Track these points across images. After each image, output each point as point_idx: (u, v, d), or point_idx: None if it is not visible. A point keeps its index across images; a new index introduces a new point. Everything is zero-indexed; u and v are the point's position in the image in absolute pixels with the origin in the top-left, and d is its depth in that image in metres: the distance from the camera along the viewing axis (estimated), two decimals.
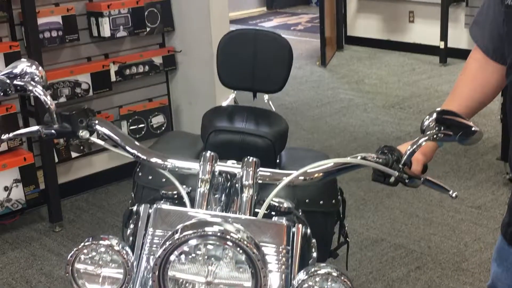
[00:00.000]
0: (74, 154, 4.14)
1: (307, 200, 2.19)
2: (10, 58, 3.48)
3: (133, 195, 2.44)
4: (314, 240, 1.71)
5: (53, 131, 1.66)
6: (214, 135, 2.30)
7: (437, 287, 3.25)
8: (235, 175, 1.64)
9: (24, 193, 3.76)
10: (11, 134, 1.71)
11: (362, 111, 5.88)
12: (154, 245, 1.55)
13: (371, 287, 3.27)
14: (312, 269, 1.47)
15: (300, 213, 1.76)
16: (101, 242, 1.52)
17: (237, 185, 1.64)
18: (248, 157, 1.61)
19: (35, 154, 3.87)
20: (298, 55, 7.68)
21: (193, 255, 1.42)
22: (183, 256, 1.41)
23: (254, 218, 1.57)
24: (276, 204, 1.64)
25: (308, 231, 1.65)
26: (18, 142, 3.79)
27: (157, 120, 4.53)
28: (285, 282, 1.51)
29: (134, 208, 1.70)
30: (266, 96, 2.68)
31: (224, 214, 1.61)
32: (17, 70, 1.68)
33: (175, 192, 1.67)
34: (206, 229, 1.37)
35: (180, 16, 4.46)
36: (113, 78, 4.25)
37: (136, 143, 1.69)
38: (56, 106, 1.67)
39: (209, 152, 1.63)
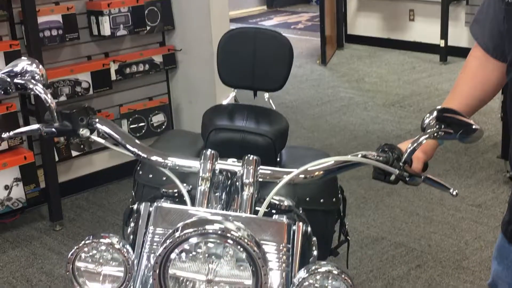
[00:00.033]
0: (74, 153, 4.13)
1: (307, 199, 2.19)
2: (10, 57, 3.48)
3: (133, 194, 2.44)
4: (314, 238, 1.71)
5: (53, 129, 1.66)
6: (214, 133, 2.30)
7: (438, 285, 3.25)
8: (235, 173, 1.64)
9: (24, 192, 3.76)
10: (11, 133, 1.71)
11: (363, 110, 5.88)
12: (155, 243, 1.55)
13: (371, 286, 3.27)
14: (313, 267, 1.47)
15: (301, 211, 1.76)
16: (101, 240, 1.52)
17: (237, 183, 1.63)
18: (249, 155, 1.61)
19: (35, 153, 3.87)
20: (298, 54, 7.68)
21: (194, 253, 1.41)
22: (183, 254, 1.41)
23: (254, 216, 1.57)
24: (277, 202, 1.64)
25: (309, 229, 1.65)
26: (19, 141, 3.79)
27: (158, 118, 4.53)
28: (286, 280, 1.51)
29: (135, 206, 1.70)
30: (266, 95, 2.68)
31: (224, 212, 1.60)
32: (17, 69, 1.68)
33: (175, 190, 1.67)
34: (207, 227, 1.37)
35: (180, 15, 4.46)
36: (113, 76, 4.24)
37: (137, 141, 1.69)
38: (56, 105, 1.66)
39: (209, 150, 1.63)
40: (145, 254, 1.56)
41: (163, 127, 4.55)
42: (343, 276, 1.46)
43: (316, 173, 1.59)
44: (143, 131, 4.46)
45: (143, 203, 1.65)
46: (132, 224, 1.71)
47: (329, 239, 2.35)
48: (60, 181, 3.93)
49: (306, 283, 1.46)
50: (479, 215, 3.90)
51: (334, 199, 2.31)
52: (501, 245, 1.72)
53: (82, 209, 4.14)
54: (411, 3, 7.67)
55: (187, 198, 1.62)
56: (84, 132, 1.67)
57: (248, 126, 2.35)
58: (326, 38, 7.31)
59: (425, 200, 4.09)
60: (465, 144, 4.43)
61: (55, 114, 1.65)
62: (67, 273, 1.53)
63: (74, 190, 4.28)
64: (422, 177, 1.60)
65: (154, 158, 1.66)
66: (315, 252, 1.70)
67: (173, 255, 1.40)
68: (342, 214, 2.43)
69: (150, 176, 2.31)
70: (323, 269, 1.46)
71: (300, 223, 1.61)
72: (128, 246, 1.53)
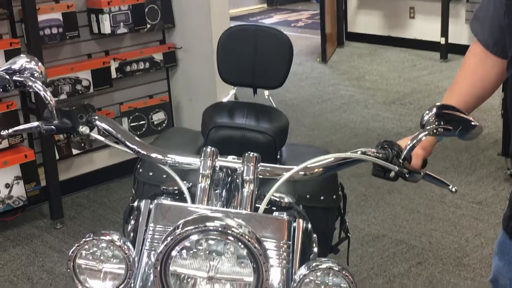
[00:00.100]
0: (75, 151, 4.13)
1: (308, 196, 2.19)
2: (11, 55, 3.47)
3: (134, 192, 2.44)
4: (315, 235, 1.71)
5: (53, 126, 1.65)
6: (214, 131, 2.30)
7: (438, 282, 3.25)
8: (235, 170, 1.64)
9: (25, 190, 3.76)
10: (10, 130, 1.70)
11: (363, 107, 5.88)
12: (155, 241, 1.55)
13: (372, 283, 3.27)
14: (314, 264, 1.47)
15: (301, 208, 1.76)
16: (102, 237, 1.52)
17: (237, 180, 1.64)
18: (249, 152, 1.61)
19: (36, 151, 3.87)
20: (298, 52, 7.68)
21: (195, 250, 1.42)
22: (184, 251, 1.41)
23: (255, 213, 1.57)
24: (277, 199, 1.64)
25: (309, 226, 1.65)
26: (19, 139, 3.79)
27: (158, 116, 4.53)
28: (286, 277, 1.51)
29: (135, 204, 1.70)
30: (266, 92, 2.68)
31: (225, 209, 1.61)
32: (16, 66, 1.68)
33: (175, 187, 1.67)
34: (208, 224, 1.37)
35: (180, 13, 4.46)
36: (113, 75, 4.24)
37: (137, 138, 1.69)
38: (57, 103, 1.66)
39: (209, 147, 1.63)
40: (146, 251, 1.56)
41: (164, 125, 4.55)
42: (344, 272, 1.45)
43: (316, 170, 1.59)
44: (144, 129, 4.46)
45: (144, 201, 1.65)
46: (132, 222, 1.72)
47: (330, 236, 2.35)
48: (60, 179, 3.93)
49: (307, 279, 1.46)
50: (480, 212, 3.90)
51: (334, 196, 2.31)
52: (502, 241, 1.72)
53: (83, 207, 4.14)
54: (411, 1, 7.66)
55: (187, 195, 1.62)
56: (84, 129, 1.67)
57: (248, 124, 2.35)
58: (326, 36, 7.31)
59: (425, 197, 4.09)
60: (466, 142, 4.43)
61: (54, 111, 1.65)
62: (68, 270, 1.53)
63: (74, 188, 4.28)
64: (422, 173, 1.60)
65: (154, 155, 1.66)
66: (315, 249, 1.70)
67: (174, 252, 1.40)
68: (342, 211, 2.43)
69: (151, 174, 2.31)
70: (324, 265, 1.46)
71: (301, 220, 1.61)
72: (128, 243, 1.53)
